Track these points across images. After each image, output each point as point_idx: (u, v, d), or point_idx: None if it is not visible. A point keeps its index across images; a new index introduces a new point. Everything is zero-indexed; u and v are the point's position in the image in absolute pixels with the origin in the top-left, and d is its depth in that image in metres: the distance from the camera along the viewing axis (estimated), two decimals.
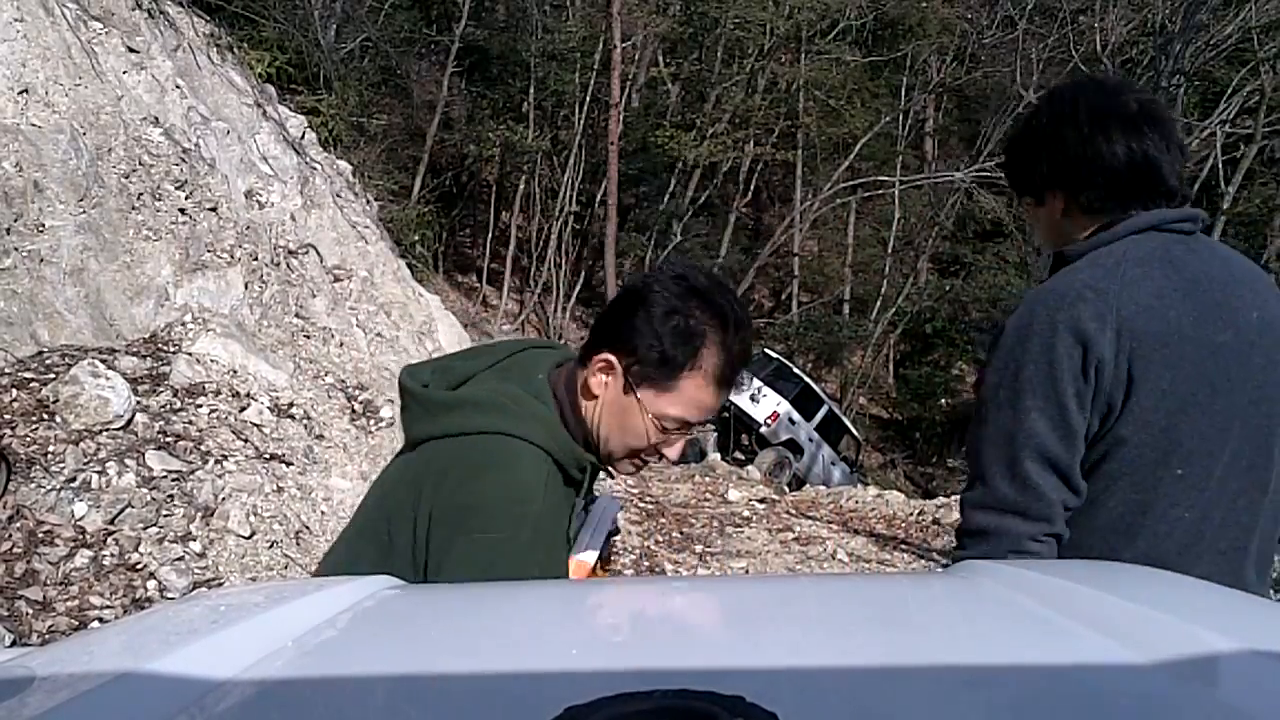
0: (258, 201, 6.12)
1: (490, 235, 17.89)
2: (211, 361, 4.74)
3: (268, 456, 4.46)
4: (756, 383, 13.42)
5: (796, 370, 14.83)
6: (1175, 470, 1.26)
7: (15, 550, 3.25)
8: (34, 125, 4.50)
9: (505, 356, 1.32)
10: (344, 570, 1.20)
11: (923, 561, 6.94)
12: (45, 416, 3.80)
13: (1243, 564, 1.30)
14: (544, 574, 1.16)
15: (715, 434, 13.84)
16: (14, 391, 3.86)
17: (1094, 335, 1.23)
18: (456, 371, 1.28)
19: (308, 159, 7.09)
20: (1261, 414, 1.28)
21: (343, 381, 5.57)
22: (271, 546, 4.01)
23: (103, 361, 4.15)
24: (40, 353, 4.17)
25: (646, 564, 6.06)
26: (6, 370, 3.97)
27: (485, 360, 1.31)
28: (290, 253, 6.15)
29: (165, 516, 3.72)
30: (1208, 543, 1.28)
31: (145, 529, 3.62)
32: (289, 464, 4.55)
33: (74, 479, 3.61)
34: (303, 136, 7.41)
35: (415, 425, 1.23)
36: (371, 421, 5.41)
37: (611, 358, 1.23)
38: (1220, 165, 15.20)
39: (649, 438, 1.25)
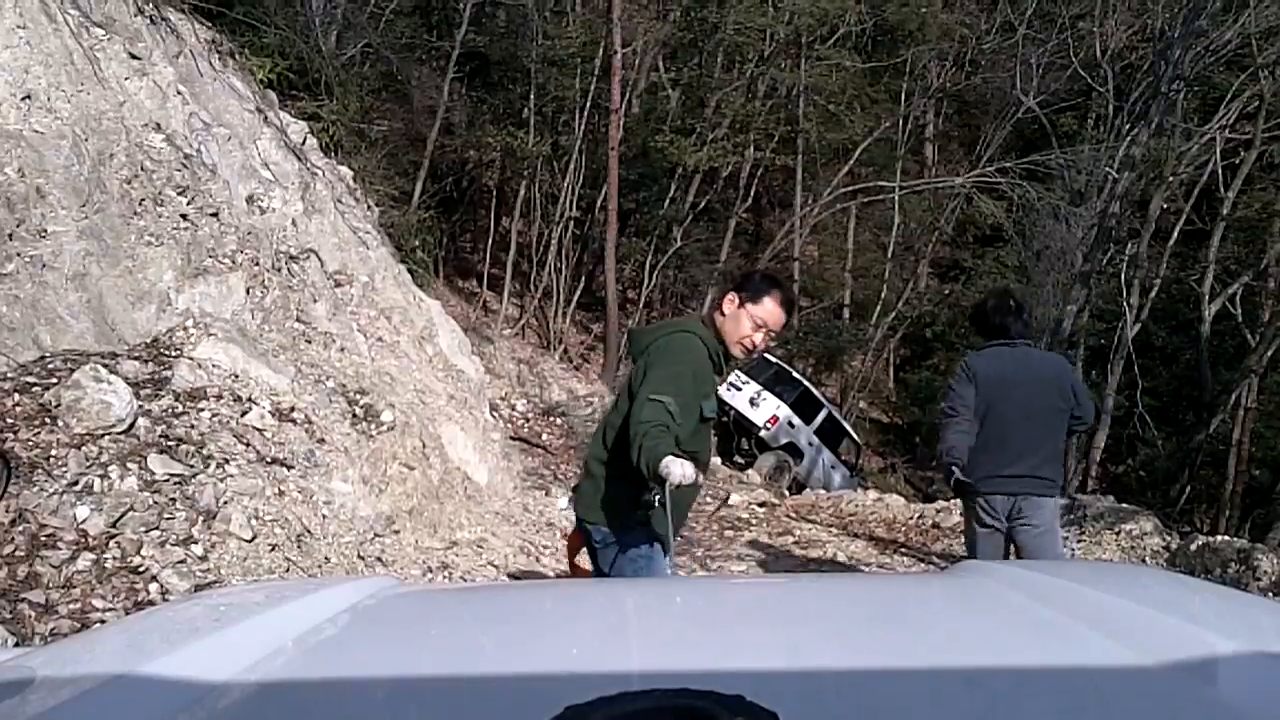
0: (259, 207, 6.13)
1: (491, 240, 17.86)
2: (213, 366, 4.74)
3: (269, 460, 4.47)
4: (756, 386, 13.39)
5: (796, 374, 14.81)
6: (994, 425, 3.90)
7: (18, 553, 3.25)
8: (36, 131, 4.52)
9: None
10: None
11: (922, 565, 6.93)
12: (47, 421, 3.81)
13: (1028, 461, 3.91)
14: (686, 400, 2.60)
15: (715, 438, 13.81)
16: (16, 396, 3.87)
17: (966, 376, 4.00)
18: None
19: (309, 164, 7.10)
20: (1034, 404, 3.91)
21: (344, 386, 5.57)
22: (273, 550, 4.01)
23: (105, 366, 4.15)
24: (42, 357, 4.18)
25: None
26: (9, 375, 3.97)
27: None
28: (291, 258, 6.16)
29: (167, 520, 3.73)
30: (1009, 450, 3.88)
31: (147, 532, 3.62)
32: (290, 468, 4.55)
33: (76, 482, 3.61)
34: (304, 142, 7.41)
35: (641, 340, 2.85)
36: (372, 425, 5.41)
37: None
38: (1220, 170, 15.20)
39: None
